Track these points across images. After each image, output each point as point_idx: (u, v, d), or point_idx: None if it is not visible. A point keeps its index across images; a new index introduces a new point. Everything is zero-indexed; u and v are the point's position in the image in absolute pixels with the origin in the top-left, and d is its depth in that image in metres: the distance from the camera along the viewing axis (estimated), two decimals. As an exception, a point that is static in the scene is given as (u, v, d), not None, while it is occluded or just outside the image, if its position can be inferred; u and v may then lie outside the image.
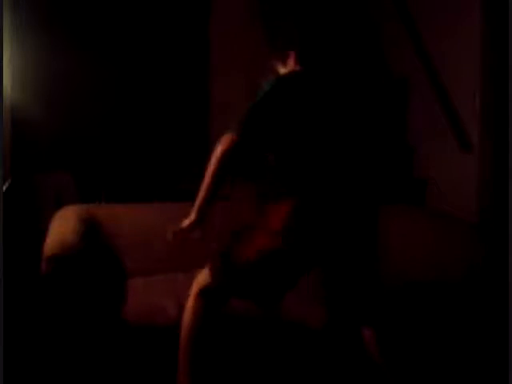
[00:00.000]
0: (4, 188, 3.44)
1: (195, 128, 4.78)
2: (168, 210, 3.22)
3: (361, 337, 2.25)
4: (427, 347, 2.67)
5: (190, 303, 2.21)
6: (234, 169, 2.06)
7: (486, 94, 3.32)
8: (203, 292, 2.18)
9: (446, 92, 3.58)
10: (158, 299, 2.63)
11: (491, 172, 3.31)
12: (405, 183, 3.85)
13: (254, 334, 2.52)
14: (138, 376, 2.52)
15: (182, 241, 2.16)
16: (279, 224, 2.03)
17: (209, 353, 2.22)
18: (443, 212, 3.47)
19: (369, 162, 2.26)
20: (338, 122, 2.17)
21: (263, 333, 2.54)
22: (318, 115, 2.11)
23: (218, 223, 2.95)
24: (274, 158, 2.11)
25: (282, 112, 2.06)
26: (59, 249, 2.56)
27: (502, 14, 3.18)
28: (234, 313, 2.44)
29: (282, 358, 2.54)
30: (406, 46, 3.92)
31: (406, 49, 3.92)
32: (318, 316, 2.51)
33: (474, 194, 3.37)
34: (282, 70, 2.25)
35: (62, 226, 2.85)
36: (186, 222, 2.18)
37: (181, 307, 2.53)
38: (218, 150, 2.03)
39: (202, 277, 2.21)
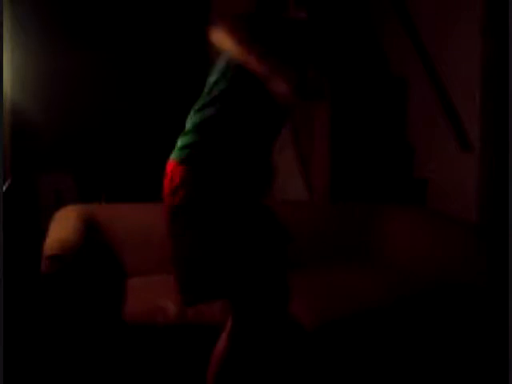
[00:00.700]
0: (4, 188, 3.44)
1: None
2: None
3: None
4: (427, 347, 2.67)
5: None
6: None
7: (485, 94, 3.32)
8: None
9: (446, 92, 3.58)
10: (158, 299, 2.63)
11: (491, 172, 3.31)
12: (405, 183, 3.85)
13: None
14: (138, 375, 2.52)
15: None
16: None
17: None
18: (443, 212, 3.47)
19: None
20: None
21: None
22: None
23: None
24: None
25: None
26: (59, 248, 2.56)
27: (502, 13, 3.19)
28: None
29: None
30: (405, 45, 3.92)
31: (406, 49, 3.92)
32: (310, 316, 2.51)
33: (474, 194, 3.37)
34: None
35: (62, 226, 2.84)
36: None
37: (180, 307, 2.54)
38: None
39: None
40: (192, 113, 2.12)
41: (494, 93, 3.29)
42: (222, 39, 1.97)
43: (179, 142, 2.09)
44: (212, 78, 2.08)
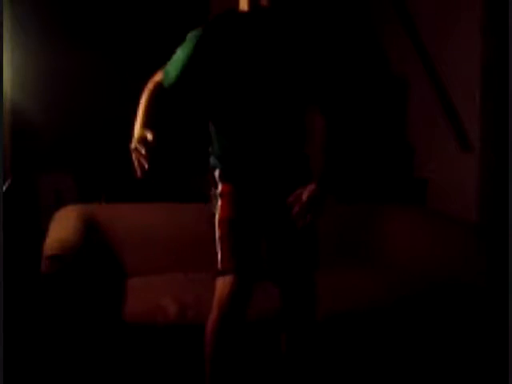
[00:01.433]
0: (4, 188, 3.44)
1: (195, 128, 4.78)
2: (168, 210, 3.23)
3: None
4: (427, 346, 2.68)
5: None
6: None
7: (485, 94, 3.32)
8: None
9: (446, 92, 3.58)
10: (158, 299, 2.63)
11: (491, 172, 3.31)
12: (405, 183, 3.85)
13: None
14: (138, 375, 2.52)
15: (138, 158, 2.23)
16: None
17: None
18: (443, 212, 3.47)
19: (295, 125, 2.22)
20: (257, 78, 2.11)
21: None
22: (238, 67, 2.10)
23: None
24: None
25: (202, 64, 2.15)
26: (59, 249, 2.56)
27: (503, 13, 3.19)
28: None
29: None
30: (405, 45, 3.92)
31: (406, 49, 3.92)
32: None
33: (474, 194, 3.37)
34: None
35: (62, 226, 2.85)
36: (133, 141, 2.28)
37: (180, 307, 2.54)
38: (149, 84, 2.33)
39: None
40: None
41: (494, 93, 3.29)
42: None
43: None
44: None
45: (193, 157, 4.79)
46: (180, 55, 2.20)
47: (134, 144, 2.24)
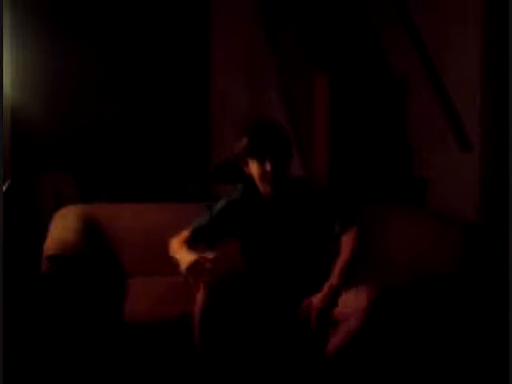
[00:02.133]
0: (4, 188, 3.44)
1: (195, 128, 4.78)
2: (168, 210, 3.23)
3: None
4: (425, 348, 2.68)
5: None
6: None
7: (486, 93, 3.32)
8: None
9: (446, 92, 3.58)
10: (158, 298, 2.63)
11: (491, 172, 3.31)
12: (405, 183, 3.85)
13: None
14: (138, 375, 2.52)
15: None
16: None
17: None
18: (443, 212, 3.47)
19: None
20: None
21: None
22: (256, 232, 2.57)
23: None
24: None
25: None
26: (59, 249, 2.56)
27: (503, 13, 3.19)
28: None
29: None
30: (405, 45, 3.92)
31: (406, 49, 3.92)
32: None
33: (473, 194, 3.37)
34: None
35: (62, 226, 2.85)
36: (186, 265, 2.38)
37: (180, 306, 2.54)
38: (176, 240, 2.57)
39: None
40: None
41: (494, 93, 3.29)
42: None
43: None
44: None
45: (193, 157, 4.81)
46: (211, 211, 2.61)
47: (187, 266, 2.34)
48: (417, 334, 2.67)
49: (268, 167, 2.45)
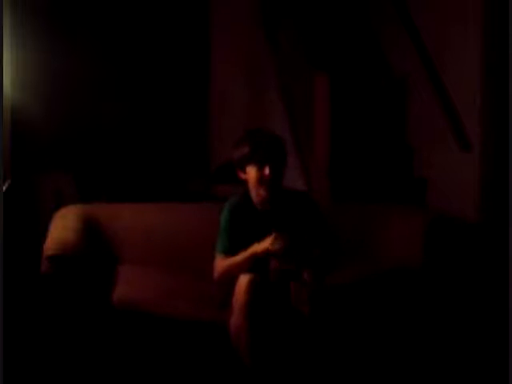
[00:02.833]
0: (4, 188, 3.44)
1: (195, 128, 4.78)
2: (168, 210, 3.23)
3: None
4: (424, 349, 2.68)
5: None
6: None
7: (486, 93, 3.32)
8: None
9: (446, 92, 3.58)
10: (158, 298, 2.63)
11: (491, 172, 3.31)
12: (405, 183, 3.85)
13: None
14: (138, 375, 2.52)
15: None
16: None
17: None
18: (443, 212, 3.47)
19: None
20: None
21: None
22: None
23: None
24: None
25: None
26: (59, 249, 2.56)
27: (503, 13, 3.19)
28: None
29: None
30: (405, 45, 3.92)
31: (406, 49, 3.92)
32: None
33: (473, 194, 3.37)
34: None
35: (62, 226, 2.85)
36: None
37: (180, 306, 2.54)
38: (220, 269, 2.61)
39: None
40: None
41: (494, 93, 3.29)
42: None
43: None
44: None
45: (193, 157, 4.81)
46: (224, 228, 2.66)
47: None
48: (415, 332, 2.67)
49: (266, 171, 2.55)
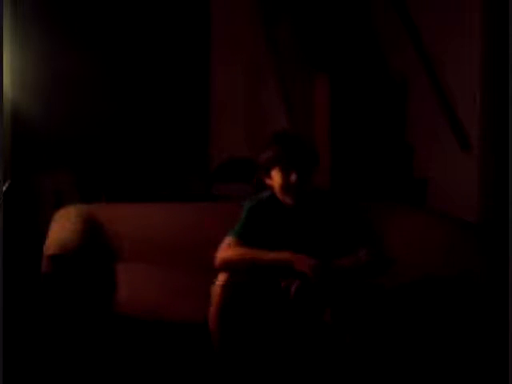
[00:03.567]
0: (4, 188, 3.44)
1: (195, 127, 4.79)
2: (168, 210, 3.23)
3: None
4: (425, 349, 2.68)
5: None
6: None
7: (486, 93, 3.32)
8: None
9: (446, 92, 3.58)
10: (158, 298, 2.63)
11: (491, 172, 3.31)
12: (405, 183, 3.85)
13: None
14: (138, 375, 2.52)
15: None
16: None
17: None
18: (443, 212, 3.47)
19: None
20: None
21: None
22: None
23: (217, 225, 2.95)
24: None
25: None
26: (59, 248, 2.56)
27: (503, 13, 3.19)
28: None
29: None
30: (405, 46, 3.92)
31: (406, 49, 3.92)
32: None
33: (474, 194, 3.37)
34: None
35: (62, 226, 2.84)
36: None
37: (179, 306, 2.54)
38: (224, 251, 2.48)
39: None
40: None
41: (494, 93, 3.29)
42: None
43: None
44: None
45: (193, 157, 4.81)
46: (244, 212, 2.53)
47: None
48: (419, 335, 2.67)
49: (293, 178, 2.41)
